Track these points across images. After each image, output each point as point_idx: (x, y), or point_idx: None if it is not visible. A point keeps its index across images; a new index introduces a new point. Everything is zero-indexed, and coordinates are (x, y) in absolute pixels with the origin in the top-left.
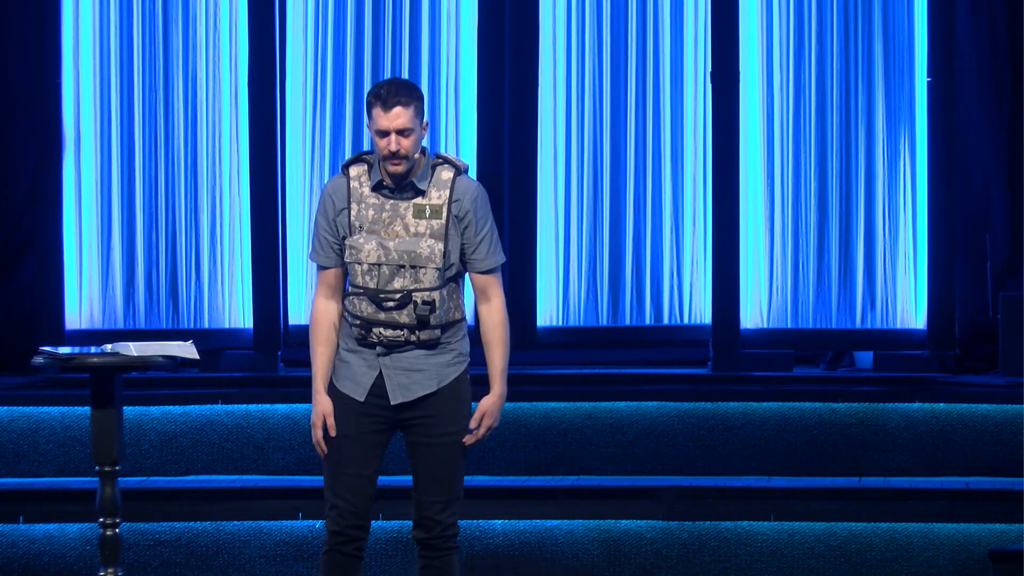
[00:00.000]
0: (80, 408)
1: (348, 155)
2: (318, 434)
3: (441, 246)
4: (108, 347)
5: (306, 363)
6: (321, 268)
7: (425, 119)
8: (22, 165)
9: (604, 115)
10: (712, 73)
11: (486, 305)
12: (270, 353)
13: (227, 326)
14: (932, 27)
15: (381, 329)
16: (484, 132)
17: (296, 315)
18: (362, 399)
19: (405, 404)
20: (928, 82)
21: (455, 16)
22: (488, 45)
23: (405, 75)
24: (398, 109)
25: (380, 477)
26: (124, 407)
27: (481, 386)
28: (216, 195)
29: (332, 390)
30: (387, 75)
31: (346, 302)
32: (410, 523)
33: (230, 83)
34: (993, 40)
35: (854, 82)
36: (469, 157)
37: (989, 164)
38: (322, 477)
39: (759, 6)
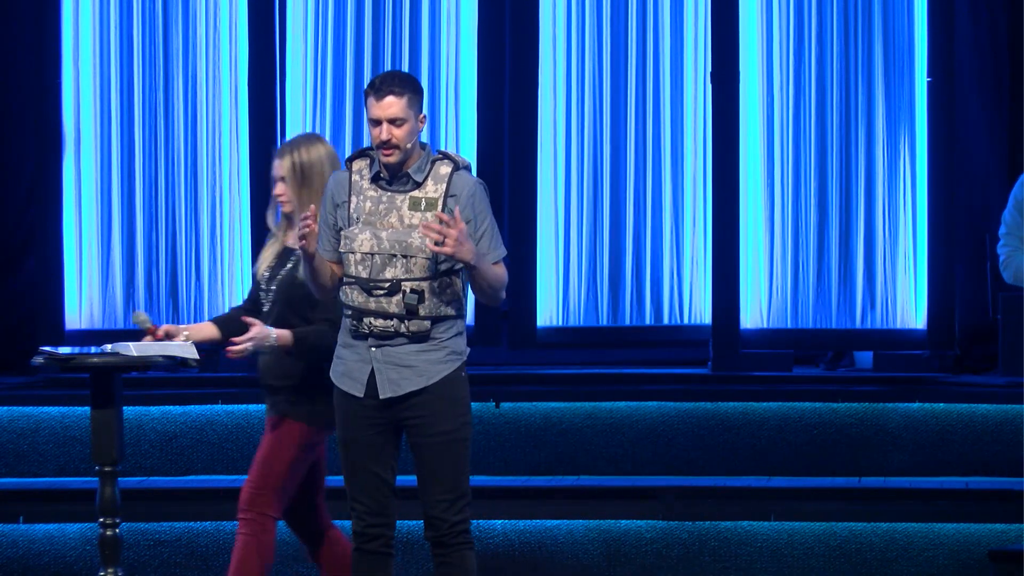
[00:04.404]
0: (80, 408)
1: (348, 154)
2: (307, 226)
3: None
4: (108, 347)
5: None
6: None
7: (423, 113)
8: (22, 165)
9: (604, 115)
10: (712, 73)
11: None
12: None
13: None
14: (932, 27)
15: (372, 319)
16: (484, 132)
17: None
18: (361, 395)
19: (398, 402)
20: (928, 82)
21: (455, 16)
22: (488, 45)
23: None
24: (390, 99)
25: None
26: (124, 407)
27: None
28: (216, 195)
29: (334, 390)
30: None
31: (340, 292)
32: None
33: (230, 83)
34: (993, 40)
35: (854, 82)
36: (469, 157)
37: (989, 164)
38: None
39: (759, 6)
